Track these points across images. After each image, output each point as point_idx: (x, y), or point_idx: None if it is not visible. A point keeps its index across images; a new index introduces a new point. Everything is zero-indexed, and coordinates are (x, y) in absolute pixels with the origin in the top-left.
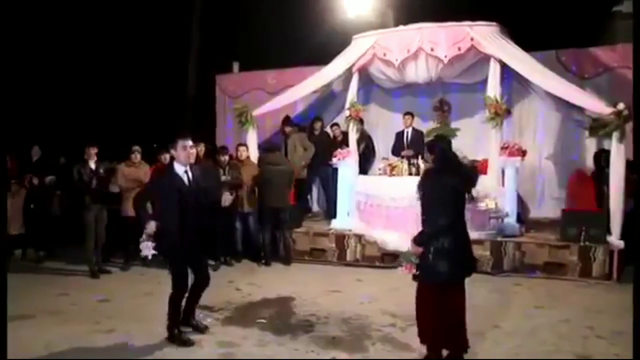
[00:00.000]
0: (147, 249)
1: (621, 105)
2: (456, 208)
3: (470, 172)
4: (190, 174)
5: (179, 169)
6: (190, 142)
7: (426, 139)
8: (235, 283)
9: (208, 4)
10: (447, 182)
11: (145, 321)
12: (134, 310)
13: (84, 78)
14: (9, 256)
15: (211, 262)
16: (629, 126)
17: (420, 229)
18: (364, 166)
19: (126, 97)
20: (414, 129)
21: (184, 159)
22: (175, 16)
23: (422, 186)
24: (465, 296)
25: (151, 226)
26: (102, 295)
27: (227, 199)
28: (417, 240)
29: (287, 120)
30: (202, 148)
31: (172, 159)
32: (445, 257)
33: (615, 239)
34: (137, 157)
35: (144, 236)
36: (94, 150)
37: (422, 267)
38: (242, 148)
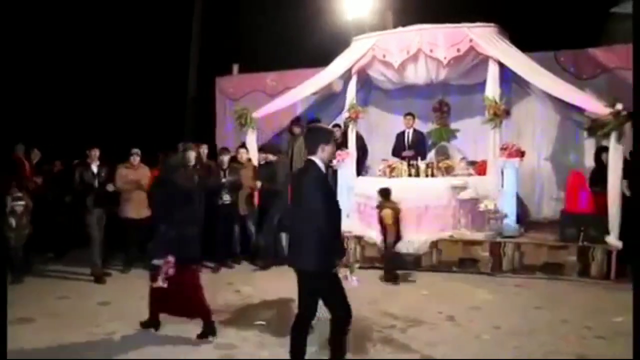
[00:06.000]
0: None
1: (619, 106)
2: None
3: None
4: None
5: None
6: None
7: None
8: (235, 285)
9: (208, 6)
10: None
11: None
12: (134, 313)
13: (84, 79)
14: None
15: (210, 265)
16: (627, 126)
17: (419, 230)
18: (359, 167)
19: (127, 98)
20: (414, 129)
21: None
22: (176, 18)
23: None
24: None
25: None
26: (102, 298)
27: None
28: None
29: (297, 121)
30: (204, 149)
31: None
32: None
33: (613, 239)
34: (135, 159)
35: None
36: (96, 153)
37: None
38: (242, 150)
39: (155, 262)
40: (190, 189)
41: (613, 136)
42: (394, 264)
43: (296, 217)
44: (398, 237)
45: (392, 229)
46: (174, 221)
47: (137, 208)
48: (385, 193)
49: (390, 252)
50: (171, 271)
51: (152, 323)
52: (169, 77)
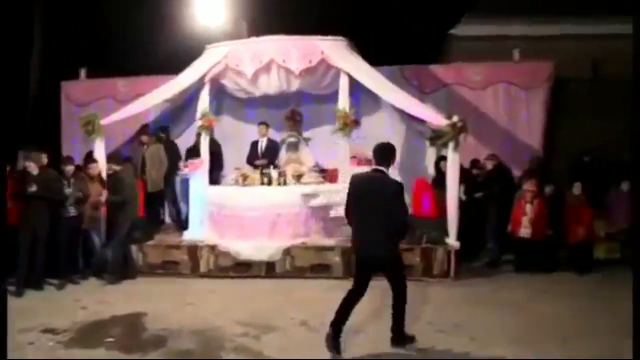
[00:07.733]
0: None
1: (455, 118)
2: None
3: None
4: None
5: None
6: None
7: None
8: (82, 302)
9: (53, 7)
10: None
11: None
12: None
13: None
14: None
15: (54, 281)
16: (462, 137)
17: (272, 238)
18: (213, 176)
19: None
20: (268, 138)
21: None
22: (16, 18)
23: None
24: None
25: None
26: None
27: None
28: None
29: (144, 129)
30: (44, 158)
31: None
32: None
33: (452, 240)
34: None
35: None
36: None
37: None
38: (94, 165)
39: None
40: None
41: (450, 146)
42: None
43: (370, 215)
44: None
45: None
46: None
47: None
48: None
49: None
50: None
51: None
52: (8, 80)
